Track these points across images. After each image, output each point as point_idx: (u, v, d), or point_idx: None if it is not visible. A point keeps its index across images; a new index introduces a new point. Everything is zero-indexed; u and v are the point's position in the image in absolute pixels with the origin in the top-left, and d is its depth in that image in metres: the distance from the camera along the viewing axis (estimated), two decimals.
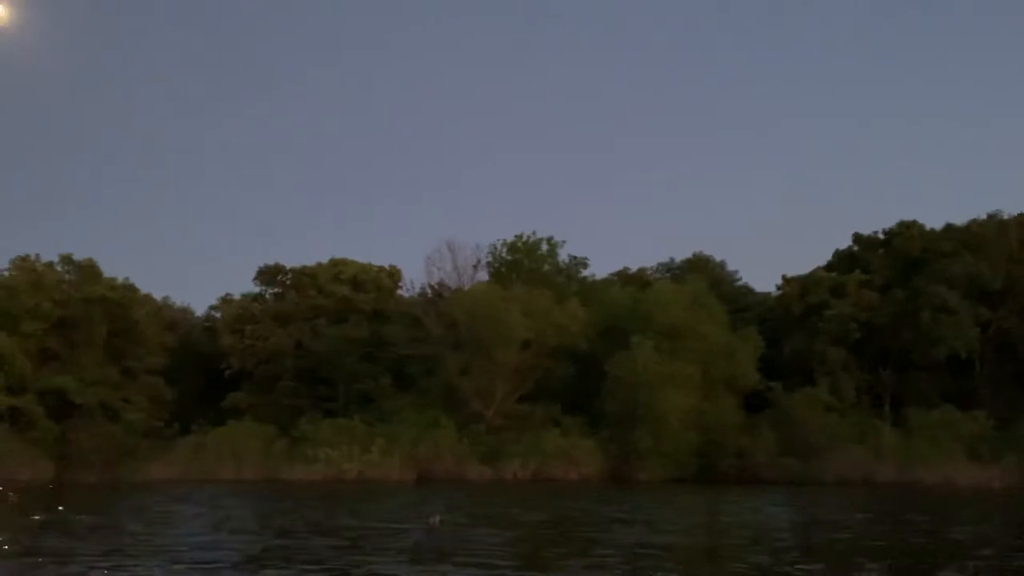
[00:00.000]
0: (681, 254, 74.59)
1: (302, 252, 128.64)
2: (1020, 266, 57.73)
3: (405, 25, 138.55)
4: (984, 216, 61.19)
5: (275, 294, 70.25)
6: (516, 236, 67.53)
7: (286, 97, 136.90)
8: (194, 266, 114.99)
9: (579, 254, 69.16)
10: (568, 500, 36.67)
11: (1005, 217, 61.10)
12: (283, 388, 63.56)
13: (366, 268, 68.96)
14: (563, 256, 68.65)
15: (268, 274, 70.27)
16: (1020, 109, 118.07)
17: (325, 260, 69.08)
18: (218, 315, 70.96)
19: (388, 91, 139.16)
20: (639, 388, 52.83)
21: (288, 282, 69.56)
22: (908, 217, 62.58)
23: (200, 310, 75.90)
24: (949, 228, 61.09)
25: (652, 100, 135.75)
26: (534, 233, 67.63)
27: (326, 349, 62.73)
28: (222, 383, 65.13)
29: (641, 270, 73.99)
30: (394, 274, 69.92)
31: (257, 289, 70.65)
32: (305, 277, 67.92)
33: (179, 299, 75.88)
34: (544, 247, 67.65)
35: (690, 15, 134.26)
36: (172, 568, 15.88)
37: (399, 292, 69.51)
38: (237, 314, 67.60)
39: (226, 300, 70.85)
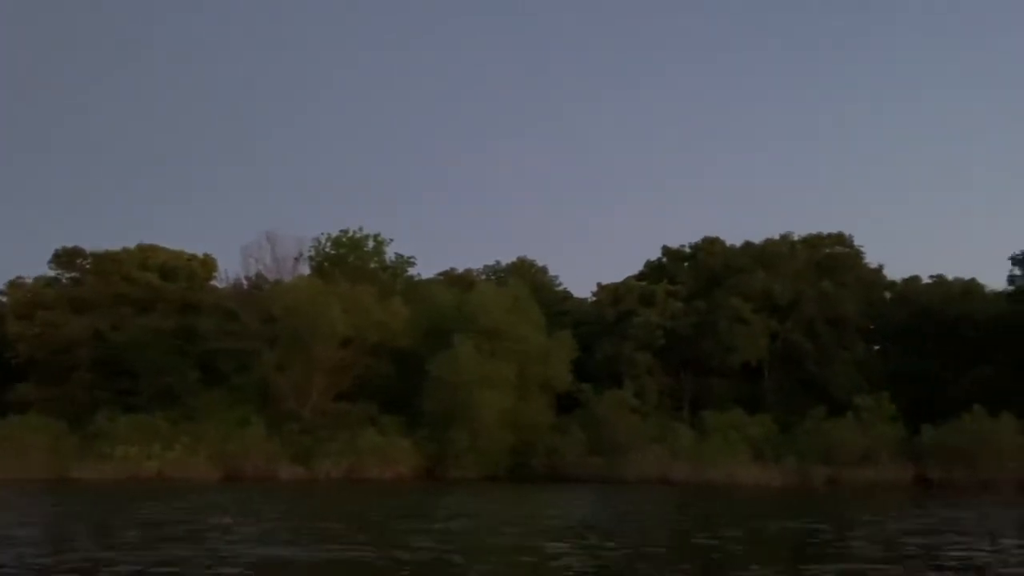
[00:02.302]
0: (507, 258, 76.35)
1: (106, 236, 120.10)
2: (806, 283, 63.55)
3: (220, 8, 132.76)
4: (777, 236, 67.04)
5: (72, 279, 65.46)
6: (341, 231, 66.63)
7: (98, 66, 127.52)
8: None
9: (408, 253, 69.37)
10: (388, 497, 36.65)
11: (795, 238, 67.24)
12: (78, 380, 59.30)
13: (177, 255, 65.63)
14: (390, 254, 68.49)
15: (65, 257, 65.39)
16: (814, 140, 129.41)
17: (132, 245, 65.20)
18: (5, 299, 65.33)
19: (216, 70, 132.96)
20: (459, 388, 53.49)
21: (88, 267, 65.03)
22: (713, 233, 67.49)
23: None
24: (747, 246, 66.41)
25: (486, 103, 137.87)
26: (360, 229, 66.99)
27: (129, 340, 59.07)
28: (7, 373, 59.97)
29: (467, 271, 74.93)
30: (208, 263, 66.94)
31: (52, 273, 65.63)
32: (108, 262, 63.65)
33: None
34: (370, 244, 67.08)
35: (516, 18, 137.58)
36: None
37: (213, 283, 66.62)
38: (27, 299, 62.50)
39: (15, 283, 65.29)
